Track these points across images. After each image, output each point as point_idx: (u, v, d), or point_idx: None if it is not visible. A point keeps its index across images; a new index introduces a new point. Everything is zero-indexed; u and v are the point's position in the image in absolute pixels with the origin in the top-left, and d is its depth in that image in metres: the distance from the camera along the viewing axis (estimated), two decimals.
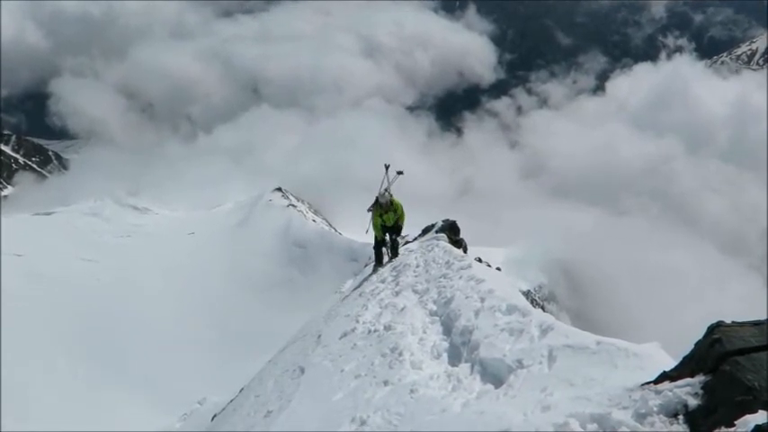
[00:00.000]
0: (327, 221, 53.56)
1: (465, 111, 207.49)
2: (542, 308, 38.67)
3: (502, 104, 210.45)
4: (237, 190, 61.82)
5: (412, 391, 6.83)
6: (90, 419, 24.45)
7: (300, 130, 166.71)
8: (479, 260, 17.07)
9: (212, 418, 15.76)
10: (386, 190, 15.82)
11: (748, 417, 3.60)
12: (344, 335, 10.22)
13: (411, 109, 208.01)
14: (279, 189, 52.87)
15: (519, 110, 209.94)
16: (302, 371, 9.52)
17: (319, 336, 11.17)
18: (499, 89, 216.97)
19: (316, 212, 55.06)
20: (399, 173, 17.25)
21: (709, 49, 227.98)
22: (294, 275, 40.22)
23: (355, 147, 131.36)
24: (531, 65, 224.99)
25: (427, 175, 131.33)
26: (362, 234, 17.70)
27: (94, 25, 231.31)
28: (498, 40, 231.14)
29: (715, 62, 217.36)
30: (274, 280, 39.20)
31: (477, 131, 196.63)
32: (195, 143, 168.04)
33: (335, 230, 48.38)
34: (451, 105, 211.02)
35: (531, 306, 8.58)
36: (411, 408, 6.41)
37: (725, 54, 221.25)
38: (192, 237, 45.62)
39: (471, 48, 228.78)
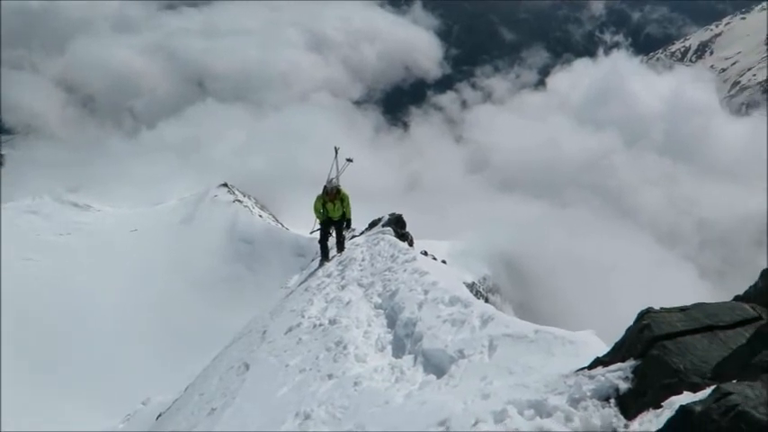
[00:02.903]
0: (274, 217, 53.05)
1: (411, 105, 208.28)
2: (486, 299, 39.25)
3: (447, 99, 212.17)
4: (182, 186, 60.58)
5: (356, 383, 6.90)
6: (27, 423, 23.73)
7: (247, 125, 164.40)
8: (425, 253, 17.26)
9: (156, 418, 15.51)
10: (335, 178, 15.83)
11: (674, 398, 3.77)
12: (290, 330, 10.21)
13: (358, 103, 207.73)
14: (225, 184, 52.06)
15: (464, 104, 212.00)
16: (247, 367, 9.48)
17: (264, 331, 11.13)
18: (445, 84, 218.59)
19: (262, 208, 54.45)
20: (349, 160, 17.30)
21: (645, 45, 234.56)
22: (240, 271, 39.70)
23: (302, 141, 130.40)
24: (476, 60, 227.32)
25: (374, 169, 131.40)
26: (309, 230, 17.64)
27: (33, 17, 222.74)
28: (444, 36, 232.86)
29: (651, 58, 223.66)
30: (220, 276, 38.63)
31: (424, 126, 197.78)
32: (138, 138, 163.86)
33: (282, 226, 47.97)
34: (398, 100, 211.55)
35: (473, 297, 8.75)
36: (355, 400, 6.48)
37: (660, 51, 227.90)
38: (134, 234, 44.58)
39: (417, 43, 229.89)
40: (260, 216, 48.35)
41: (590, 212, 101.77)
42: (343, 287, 11.86)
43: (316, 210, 15.27)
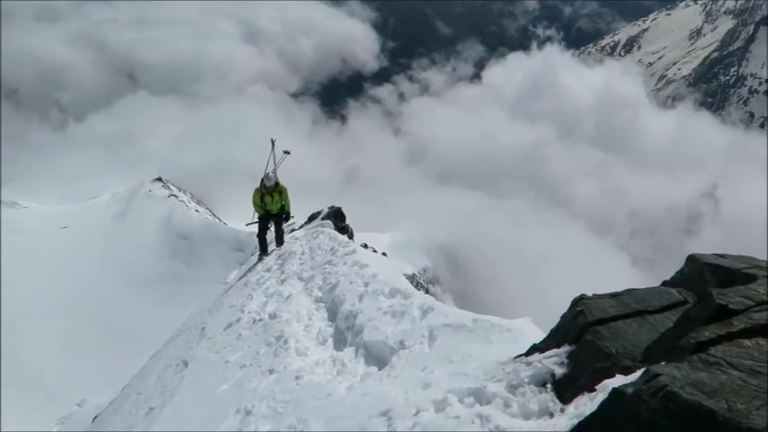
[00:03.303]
0: (211, 211, 52.09)
1: (349, 98, 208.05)
2: (427, 290, 39.64)
3: (385, 91, 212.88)
4: (114, 181, 58.73)
5: (297, 377, 6.87)
6: None
7: (181, 118, 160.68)
8: (365, 246, 17.30)
9: (93, 420, 15.10)
10: (273, 171, 15.66)
11: (607, 381, 3.89)
12: (229, 326, 10.09)
13: (295, 96, 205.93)
14: (159, 179, 50.77)
15: (401, 97, 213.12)
16: (186, 364, 9.31)
17: (203, 328, 10.95)
18: (382, 76, 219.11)
19: (199, 202, 53.38)
20: (286, 152, 17.17)
21: (576, 39, 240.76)
22: (177, 267, 38.89)
23: (238, 134, 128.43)
24: (413, 53, 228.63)
25: (313, 162, 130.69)
26: (247, 222, 17.40)
27: None
28: (380, 28, 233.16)
29: (582, 52, 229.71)
30: (156, 273, 37.74)
31: (362, 118, 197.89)
32: (66, 132, 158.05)
33: (220, 220, 47.17)
34: (335, 92, 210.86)
35: (413, 288, 8.82)
36: (296, 394, 6.46)
37: (591, 45, 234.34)
38: (65, 231, 43.05)
39: (354, 35, 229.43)
40: (196, 211, 47.42)
41: (526, 203, 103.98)
42: (282, 281, 11.78)
43: (254, 203, 15.08)
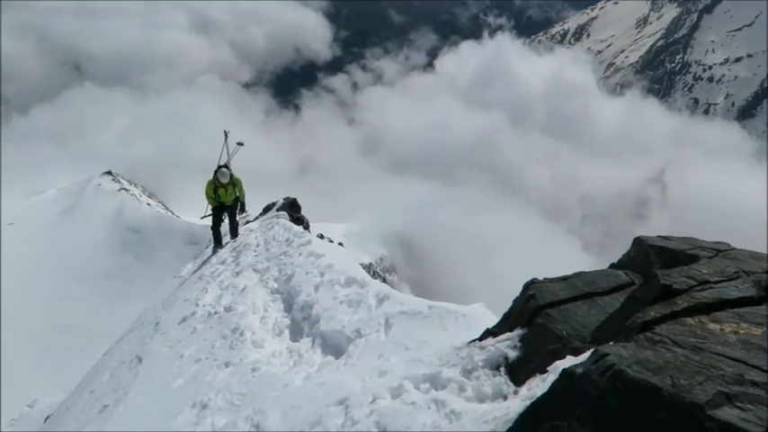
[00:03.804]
0: (164, 204, 51.15)
1: (302, 88, 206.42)
2: (384, 279, 39.80)
3: (338, 81, 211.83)
4: (61, 175, 57.13)
5: (254, 369, 6.85)
6: None
7: (130, 110, 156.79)
8: (321, 236, 17.26)
9: (45, 420, 14.76)
10: (226, 165, 15.43)
11: (558, 362, 3.98)
12: (184, 320, 9.97)
13: (247, 86, 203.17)
14: (108, 173, 49.56)
15: (355, 86, 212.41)
16: (140, 360, 9.17)
17: (157, 323, 10.79)
18: (335, 66, 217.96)
19: (150, 196, 52.34)
20: (240, 144, 16.97)
21: (527, 28, 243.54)
22: (130, 263, 38.10)
23: (190, 126, 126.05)
24: (366, 42, 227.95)
25: (267, 153, 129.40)
26: (200, 216, 17.16)
27: None
28: (333, 17, 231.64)
29: (533, 41, 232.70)
30: (108, 269, 36.91)
31: (315, 108, 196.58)
32: (10, 125, 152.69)
33: (173, 213, 46.37)
34: (289, 82, 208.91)
35: (369, 277, 8.86)
36: (253, 386, 6.43)
37: (541, 33, 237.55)
38: (11, 228, 41.72)
39: (306, 24, 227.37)
40: (148, 204, 46.48)
41: (480, 191, 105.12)
42: (237, 273, 11.68)
43: (207, 195, 14.87)
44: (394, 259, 52.21)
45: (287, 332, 8.13)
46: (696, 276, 3.95)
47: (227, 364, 7.40)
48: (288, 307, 8.93)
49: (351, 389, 5.15)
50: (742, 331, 3.40)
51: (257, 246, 13.50)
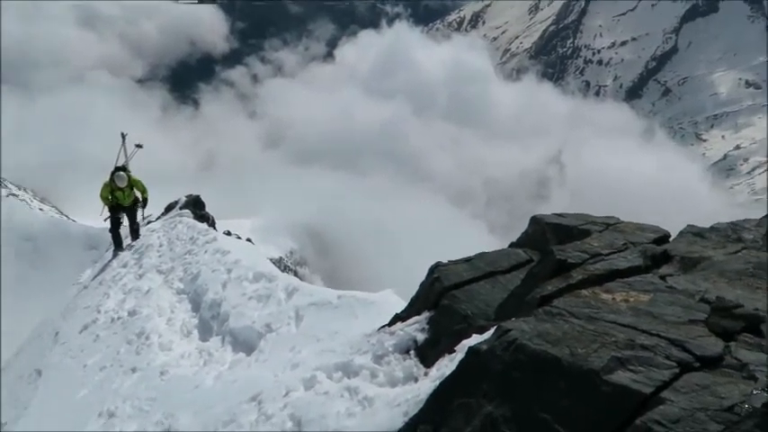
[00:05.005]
0: (57, 209, 48.51)
1: (200, 82, 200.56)
2: (295, 272, 39.57)
3: (237, 74, 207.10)
4: None
5: (162, 373, 6.67)
6: None
7: (13, 110, 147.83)
8: (228, 233, 16.96)
9: None
10: (124, 167, 14.83)
11: (465, 341, 4.09)
12: (85, 327, 9.56)
13: (141, 81, 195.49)
14: None
15: (255, 78, 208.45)
16: (39, 373, 8.74)
17: (57, 333, 10.30)
18: (233, 58, 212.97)
19: (43, 200, 49.50)
20: (138, 146, 16.38)
21: (424, 16, 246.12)
22: (24, 272, 36.01)
23: (82, 125, 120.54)
24: (264, 33, 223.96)
25: (166, 150, 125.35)
26: (100, 219, 16.42)
27: None
28: (228, 8, 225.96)
29: (430, 29, 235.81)
30: (1, 281, 34.78)
31: (215, 102, 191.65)
32: None
33: (68, 218, 44.16)
34: (185, 76, 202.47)
35: (278, 271, 8.78)
36: (162, 390, 6.27)
37: (438, 21, 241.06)
38: None
39: (201, 16, 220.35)
40: (41, 210, 44.02)
41: (386, 179, 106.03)
42: (141, 276, 11.30)
43: (102, 198, 14.25)
44: (304, 252, 51.99)
45: (195, 332, 7.97)
46: (588, 250, 4.16)
47: (133, 370, 7.17)
48: (195, 306, 8.74)
49: (263, 384, 5.12)
50: (631, 299, 3.61)
51: (160, 246, 13.11)
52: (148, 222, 17.64)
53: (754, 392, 2.76)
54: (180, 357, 7.03)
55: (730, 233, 4.53)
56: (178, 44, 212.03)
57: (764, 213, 5.03)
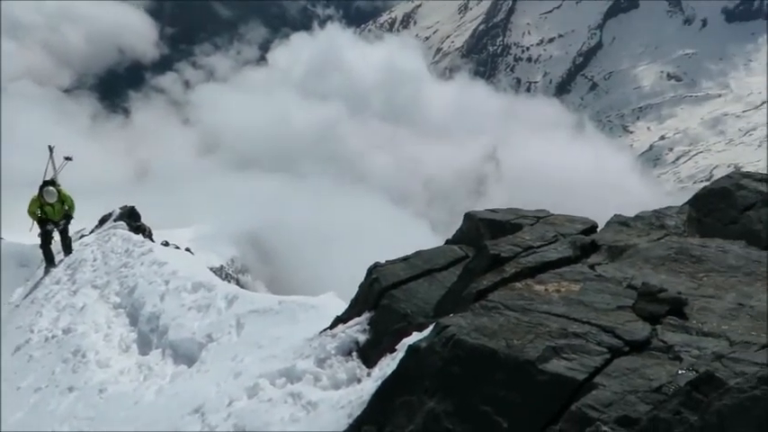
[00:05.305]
0: None
1: (130, 89, 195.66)
2: (237, 280, 38.97)
3: (168, 80, 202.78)
4: None
5: (101, 391, 6.50)
6: None
7: None
8: (166, 244, 16.63)
9: None
10: (53, 181, 14.32)
11: (405, 340, 4.14)
12: (18, 349, 9.20)
13: (68, 91, 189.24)
14: None
15: (187, 84, 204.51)
16: None
17: None
18: (164, 65, 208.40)
19: None
20: (68, 159, 15.85)
21: (356, 17, 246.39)
22: None
23: (6, 138, 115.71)
24: (194, 38, 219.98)
25: (98, 160, 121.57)
26: (29, 234, 15.82)
27: None
28: (156, 14, 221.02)
29: (363, 30, 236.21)
30: None
31: (146, 110, 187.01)
32: None
33: None
34: (115, 84, 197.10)
35: (217, 280, 8.68)
36: (102, 408, 6.11)
37: (370, 22, 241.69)
38: None
39: (128, 22, 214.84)
40: None
41: (326, 181, 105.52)
42: (75, 292, 10.95)
43: (31, 213, 13.77)
44: (246, 259, 51.18)
45: (134, 347, 7.78)
46: (521, 243, 4.27)
47: (70, 389, 6.94)
48: (133, 320, 8.53)
49: (206, 395, 5.06)
50: (563, 289, 3.72)
51: (94, 260, 12.74)
52: (81, 236, 17.13)
53: (680, 372, 2.90)
54: (119, 373, 6.85)
55: (654, 221, 4.73)
56: (106, 51, 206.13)
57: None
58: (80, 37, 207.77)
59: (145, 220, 18.89)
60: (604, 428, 2.69)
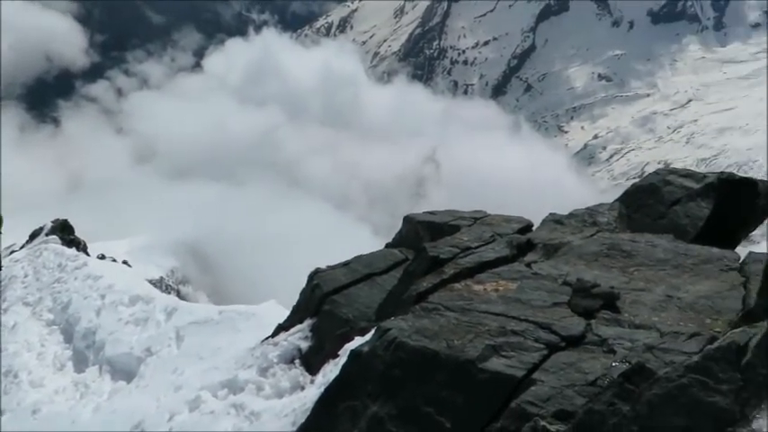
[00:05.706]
0: None
1: (59, 98, 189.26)
2: (177, 292, 38.23)
3: (100, 88, 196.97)
4: None
5: (34, 411, 6.27)
6: None
7: None
8: (102, 257, 16.19)
9: None
10: None
11: (347, 345, 4.14)
12: None
13: None
14: None
15: (119, 92, 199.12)
16: None
17: None
18: (94, 72, 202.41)
19: None
20: None
21: (292, 22, 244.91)
22: None
23: None
24: (126, 45, 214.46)
25: (27, 173, 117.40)
26: None
27: None
28: (85, 21, 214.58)
29: (299, 35, 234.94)
30: None
31: (77, 119, 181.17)
32: None
33: None
34: (43, 94, 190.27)
35: (156, 292, 8.50)
36: (36, 430, 5.88)
37: (306, 27, 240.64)
38: None
39: (56, 29, 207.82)
40: None
41: (266, 188, 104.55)
42: (5, 310, 10.53)
43: None
44: (186, 269, 50.27)
45: (70, 364, 7.53)
46: (459, 244, 4.33)
47: (2, 412, 6.67)
48: (68, 337, 8.26)
49: (145, 411, 4.94)
50: (501, 288, 3.79)
51: (25, 276, 12.28)
52: (12, 252, 16.49)
53: (613, 365, 2.99)
54: (53, 393, 6.62)
55: (587, 218, 4.86)
56: (32, 60, 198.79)
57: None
58: (4, 45, 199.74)
59: (79, 233, 18.35)
60: (542, 423, 2.75)
